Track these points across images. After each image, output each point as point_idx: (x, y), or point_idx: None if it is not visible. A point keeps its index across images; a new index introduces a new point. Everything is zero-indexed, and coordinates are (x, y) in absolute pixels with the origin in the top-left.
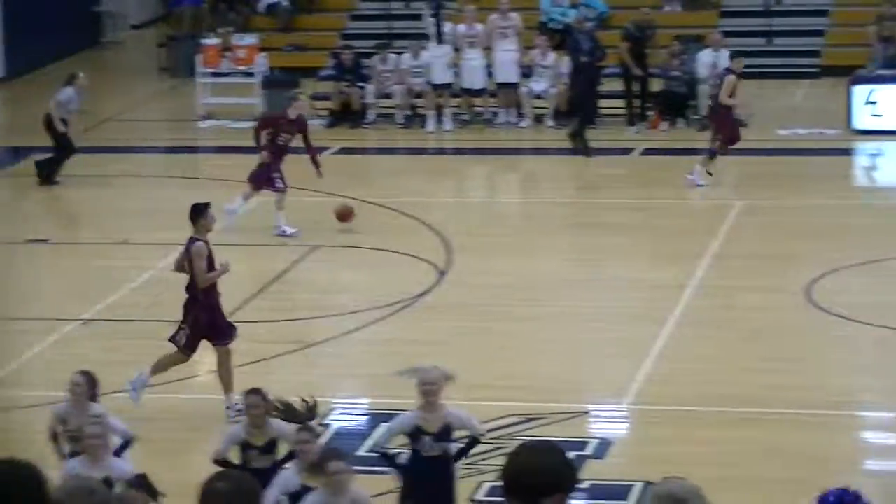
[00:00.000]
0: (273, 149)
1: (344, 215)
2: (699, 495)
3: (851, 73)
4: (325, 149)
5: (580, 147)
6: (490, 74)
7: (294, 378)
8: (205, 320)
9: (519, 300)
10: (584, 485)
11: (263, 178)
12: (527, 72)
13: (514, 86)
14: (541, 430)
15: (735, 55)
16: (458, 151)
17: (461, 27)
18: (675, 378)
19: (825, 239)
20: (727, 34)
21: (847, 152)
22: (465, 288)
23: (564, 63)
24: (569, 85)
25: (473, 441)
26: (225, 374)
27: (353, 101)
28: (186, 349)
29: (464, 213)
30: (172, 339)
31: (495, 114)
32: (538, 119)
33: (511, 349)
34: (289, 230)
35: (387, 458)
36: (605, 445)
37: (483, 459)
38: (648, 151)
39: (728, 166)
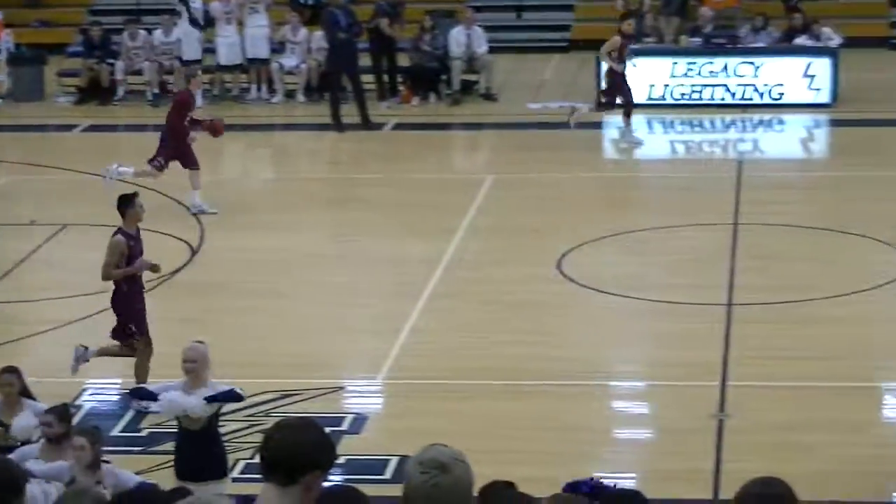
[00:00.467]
0: (188, 129)
1: (215, 129)
2: (462, 461)
3: (600, 47)
4: (74, 126)
5: (362, 122)
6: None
7: (46, 358)
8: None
9: (273, 277)
10: (341, 460)
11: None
12: (277, 47)
13: (265, 61)
14: (297, 407)
15: (623, 17)
16: None
17: (216, 4)
18: (430, 352)
19: (575, 212)
20: (477, 9)
21: (597, 125)
22: (219, 266)
23: (315, 38)
24: (325, 61)
25: (232, 395)
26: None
27: (101, 78)
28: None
29: (217, 190)
30: (126, 343)
31: (246, 90)
32: (290, 95)
33: (265, 326)
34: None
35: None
36: (360, 421)
37: (238, 437)
38: (400, 126)
39: (479, 140)
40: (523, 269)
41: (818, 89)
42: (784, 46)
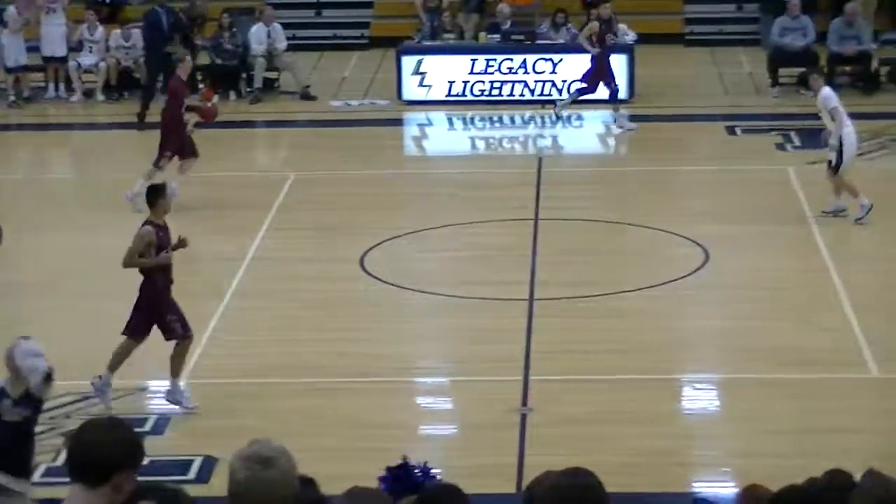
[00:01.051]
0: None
1: (208, 114)
2: (286, 453)
3: (399, 44)
4: None
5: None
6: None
7: None
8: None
9: (74, 279)
10: (145, 461)
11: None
12: (75, 46)
13: (62, 60)
14: (98, 409)
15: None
16: (4, 128)
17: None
18: (234, 351)
19: (378, 209)
20: (276, 6)
21: (398, 122)
22: (20, 266)
23: (114, 37)
24: (144, 61)
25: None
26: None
27: None
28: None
29: (13, 189)
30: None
31: (44, 88)
32: (88, 94)
33: (68, 326)
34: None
35: None
36: (163, 421)
37: (40, 440)
38: (200, 124)
39: (281, 138)
40: (326, 266)
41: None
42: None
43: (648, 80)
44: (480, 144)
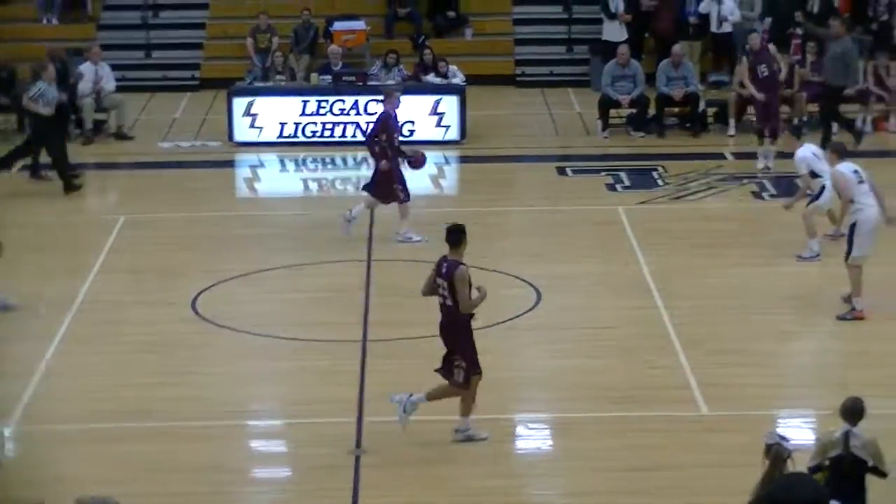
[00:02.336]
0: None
1: (417, 162)
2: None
3: (230, 86)
4: None
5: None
6: None
7: None
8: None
9: None
10: None
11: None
12: None
13: None
14: None
15: None
16: None
17: None
18: (64, 396)
19: (209, 251)
20: (106, 47)
21: (229, 164)
22: None
23: None
24: None
25: None
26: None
27: None
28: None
29: None
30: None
31: None
32: None
33: None
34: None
35: None
36: None
37: None
38: (28, 167)
39: (111, 180)
40: (158, 309)
41: (447, 126)
42: (413, 84)
43: (480, 122)
44: (313, 186)
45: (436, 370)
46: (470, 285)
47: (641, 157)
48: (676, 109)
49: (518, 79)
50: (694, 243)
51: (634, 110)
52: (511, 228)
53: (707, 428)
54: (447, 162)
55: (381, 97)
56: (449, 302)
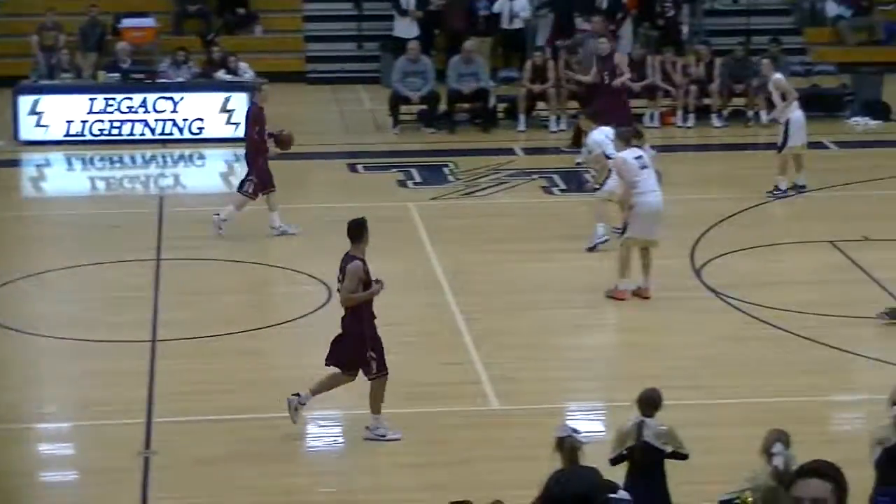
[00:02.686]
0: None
1: (286, 142)
2: None
3: (15, 84)
4: None
5: None
6: None
7: None
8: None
9: None
10: None
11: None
12: None
13: None
14: None
15: None
16: None
17: None
18: None
19: None
20: None
21: (15, 163)
22: None
23: None
24: None
25: None
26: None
27: None
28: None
29: None
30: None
31: None
32: None
33: None
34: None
35: None
36: None
37: None
38: None
39: None
40: None
41: (237, 123)
42: (202, 81)
43: (271, 119)
44: (101, 185)
45: (327, 363)
46: (368, 283)
47: (432, 153)
48: (467, 105)
49: (309, 76)
50: (485, 238)
51: (425, 106)
52: (303, 226)
53: (498, 422)
54: (237, 159)
55: (169, 94)
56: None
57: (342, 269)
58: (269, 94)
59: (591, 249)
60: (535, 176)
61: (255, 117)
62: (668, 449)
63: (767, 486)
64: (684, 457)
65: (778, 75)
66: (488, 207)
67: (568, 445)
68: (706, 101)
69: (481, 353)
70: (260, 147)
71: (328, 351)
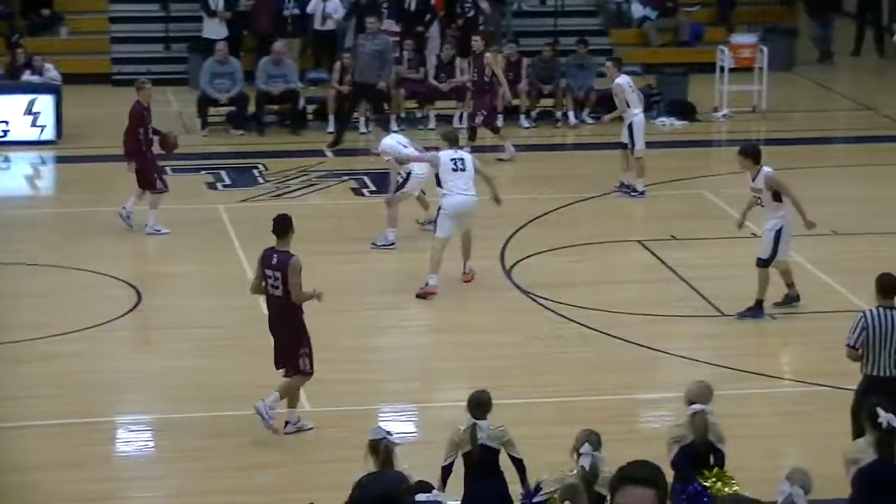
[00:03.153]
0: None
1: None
2: None
3: None
4: None
5: None
6: None
7: None
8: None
9: None
10: None
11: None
12: None
13: None
14: None
15: None
16: None
17: None
18: None
19: None
20: None
21: None
22: None
23: None
24: None
25: None
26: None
27: None
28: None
29: None
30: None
31: None
32: None
33: None
34: None
35: None
36: None
37: None
38: None
39: None
40: None
41: (43, 126)
42: (7, 83)
43: (76, 121)
44: None
45: (277, 368)
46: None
47: (242, 155)
48: (276, 107)
49: (115, 77)
50: (296, 240)
51: (234, 108)
52: (110, 229)
53: (312, 425)
54: (43, 162)
55: None
56: (279, 293)
57: (273, 266)
58: (151, 91)
59: (376, 246)
60: (345, 177)
61: (137, 116)
62: (502, 449)
63: (567, 483)
64: (518, 461)
65: (619, 80)
66: (299, 209)
67: (383, 448)
68: (514, 101)
69: None
70: (139, 147)
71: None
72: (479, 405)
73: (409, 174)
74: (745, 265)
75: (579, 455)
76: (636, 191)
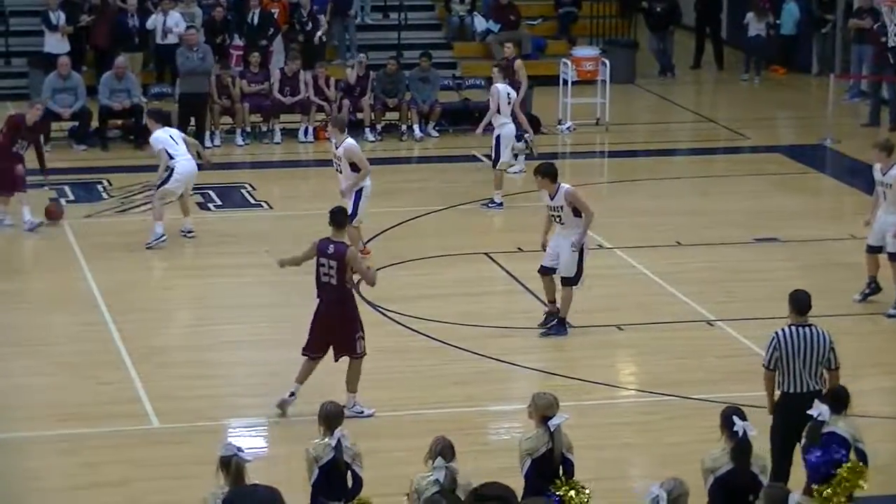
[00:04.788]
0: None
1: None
2: None
3: None
4: None
5: None
6: None
7: None
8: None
9: None
10: None
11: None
12: None
13: None
14: None
15: None
16: None
17: None
18: None
19: None
20: None
21: None
22: None
23: None
24: None
25: None
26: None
27: None
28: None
29: None
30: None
31: None
32: None
33: None
34: None
35: None
36: None
37: None
38: None
39: None
40: None
41: None
42: None
43: None
44: None
45: (336, 353)
46: None
47: (85, 170)
48: (120, 121)
49: None
50: (142, 256)
51: (76, 123)
52: None
53: (158, 441)
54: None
55: None
56: (334, 281)
57: (329, 255)
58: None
59: (150, 247)
60: (193, 192)
61: (11, 123)
62: (356, 463)
63: (427, 498)
64: (360, 479)
65: (499, 85)
66: (144, 224)
67: (234, 464)
68: (359, 115)
69: (140, 372)
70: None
71: (330, 344)
72: (334, 416)
73: (172, 170)
74: (600, 276)
75: (434, 467)
76: (493, 202)
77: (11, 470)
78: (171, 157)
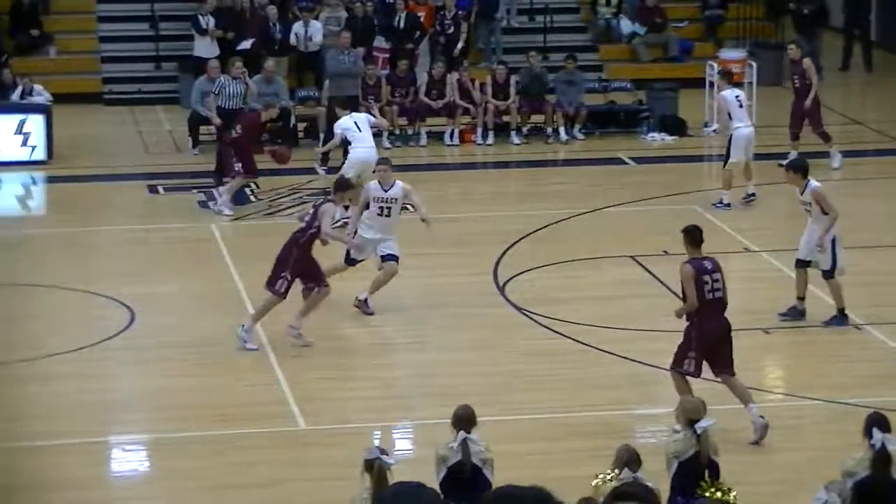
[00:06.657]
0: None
1: (281, 157)
2: None
3: None
4: None
5: None
6: None
7: None
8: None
9: None
10: None
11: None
12: None
13: None
14: None
15: None
16: None
17: None
18: None
19: None
20: None
21: None
22: None
23: None
24: None
25: None
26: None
27: None
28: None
29: None
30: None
31: None
32: None
33: None
34: None
35: None
36: None
37: None
38: None
39: None
40: None
41: (33, 146)
42: None
43: (67, 141)
44: None
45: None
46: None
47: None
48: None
49: (106, 97)
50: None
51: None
52: (102, 249)
53: (306, 442)
54: (34, 182)
55: None
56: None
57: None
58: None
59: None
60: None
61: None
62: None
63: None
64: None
65: (724, 92)
66: (291, 227)
67: (377, 468)
68: (505, 118)
69: (287, 373)
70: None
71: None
72: (465, 419)
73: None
74: (742, 279)
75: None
76: (721, 202)
77: (168, 469)
78: (348, 143)
